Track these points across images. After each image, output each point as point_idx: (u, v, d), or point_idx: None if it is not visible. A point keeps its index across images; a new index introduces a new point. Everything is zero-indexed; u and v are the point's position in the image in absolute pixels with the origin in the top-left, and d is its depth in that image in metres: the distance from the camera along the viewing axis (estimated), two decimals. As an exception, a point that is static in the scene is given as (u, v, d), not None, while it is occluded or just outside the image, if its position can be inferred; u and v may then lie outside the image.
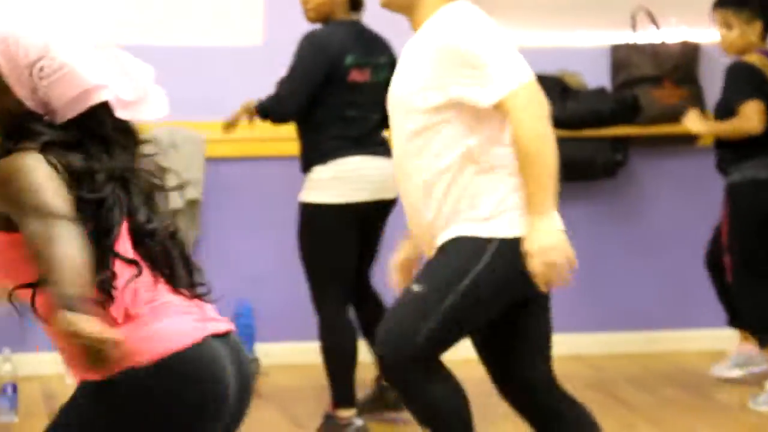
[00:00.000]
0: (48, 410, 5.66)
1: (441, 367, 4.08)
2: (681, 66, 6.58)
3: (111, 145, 2.73)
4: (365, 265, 5.60)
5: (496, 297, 4.02)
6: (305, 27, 5.36)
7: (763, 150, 5.93)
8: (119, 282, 2.64)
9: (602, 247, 6.72)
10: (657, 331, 6.80)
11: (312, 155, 5.37)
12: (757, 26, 5.94)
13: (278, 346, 6.24)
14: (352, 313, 5.52)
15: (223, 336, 2.75)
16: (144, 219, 2.73)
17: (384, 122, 4.58)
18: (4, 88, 2.70)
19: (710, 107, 6.49)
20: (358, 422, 5.40)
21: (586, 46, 6.73)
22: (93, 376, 2.60)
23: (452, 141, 3.99)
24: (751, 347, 6.20)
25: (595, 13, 6.73)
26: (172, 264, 2.77)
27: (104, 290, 2.62)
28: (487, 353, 4.24)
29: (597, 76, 6.68)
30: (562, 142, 6.36)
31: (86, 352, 2.43)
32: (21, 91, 2.69)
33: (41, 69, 2.68)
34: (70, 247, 2.49)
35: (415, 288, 4.03)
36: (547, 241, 3.95)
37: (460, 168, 3.99)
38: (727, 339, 6.45)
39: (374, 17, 5.17)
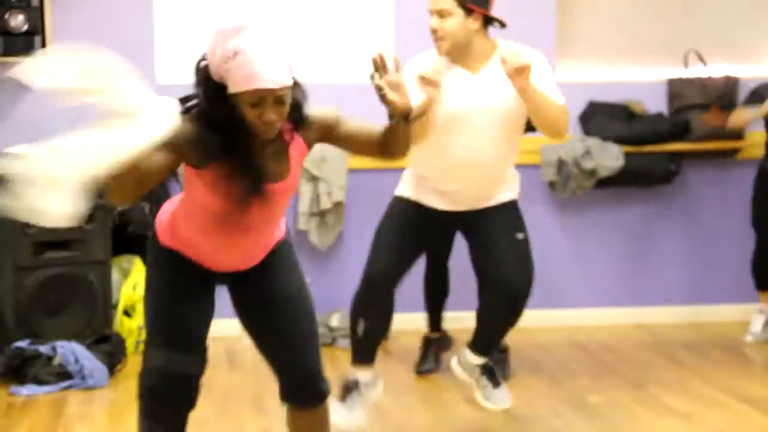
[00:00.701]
0: (229, 365, 5.75)
1: None
2: (724, 95, 6.51)
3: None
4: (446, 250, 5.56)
5: None
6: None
7: None
8: None
9: (661, 238, 6.71)
10: (705, 305, 6.74)
11: None
12: None
13: (405, 315, 6.14)
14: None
15: None
16: None
17: None
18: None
19: (748, 128, 6.49)
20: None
21: (648, 80, 6.68)
22: None
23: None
24: None
25: (655, 53, 6.69)
26: None
27: None
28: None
29: (656, 104, 6.65)
30: (628, 155, 6.52)
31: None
32: (217, 74, 3.02)
33: (230, 59, 2.95)
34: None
35: (519, 236, 4.48)
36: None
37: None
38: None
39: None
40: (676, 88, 6.61)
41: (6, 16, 5.85)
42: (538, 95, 4.17)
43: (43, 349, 5.40)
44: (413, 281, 5.37)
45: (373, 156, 3.23)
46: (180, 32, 6.38)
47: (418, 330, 5.92)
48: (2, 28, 5.86)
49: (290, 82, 2.97)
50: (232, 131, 2.98)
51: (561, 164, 6.42)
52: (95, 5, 6.24)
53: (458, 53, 4.35)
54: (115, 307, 5.94)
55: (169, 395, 3.25)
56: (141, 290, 6.04)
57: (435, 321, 5.75)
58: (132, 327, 5.96)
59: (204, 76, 3.01)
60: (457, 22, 4.31)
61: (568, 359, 5.93)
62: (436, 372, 5.65)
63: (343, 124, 3.20)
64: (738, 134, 6.50)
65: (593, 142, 6.42)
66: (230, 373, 5.62)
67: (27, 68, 2.77)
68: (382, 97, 3.10)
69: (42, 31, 5.96)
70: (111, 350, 5.59)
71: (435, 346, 5.74)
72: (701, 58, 6.63)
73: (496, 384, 4.69)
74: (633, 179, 6.53)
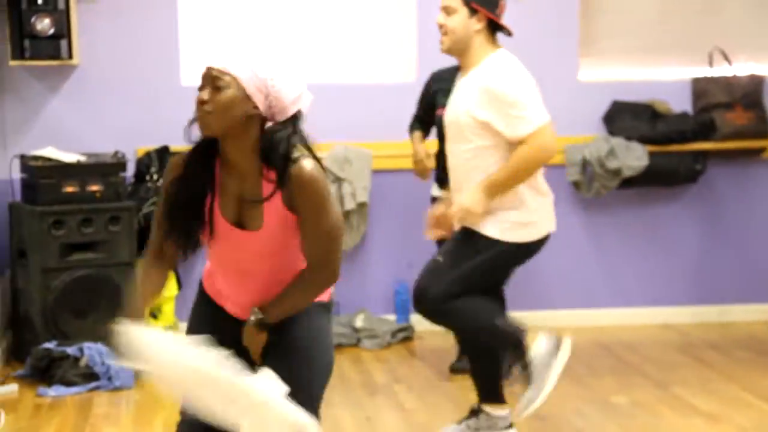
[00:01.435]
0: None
1: None
2: (749, 94, 6.51)
3: (300, 132, 2.99)
4: None
5: None
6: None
7: None
8: None
9: (686, 237, 6.70)
10: (730, 305, 6.73)
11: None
12: None
13: None
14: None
15: None
16: None
17: None
18: (246, 98, 2.91)
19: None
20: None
21: (672, 79, 6.67)
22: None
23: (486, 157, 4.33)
24: None
25: (679, 53, 6.68)
26: None
27: None
28: None
29: (681, 103, 6.63)
30: (653, 155, 6.52)
31: None
32: (259, 99, 2.91)
33: (272, 80, 2.91)
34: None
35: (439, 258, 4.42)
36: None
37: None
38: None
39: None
40: (700, 87, 6.60)
41: (32, 19, 5.89)
42: (500, 180, 4.22)
43: (70, 350, 5.44)
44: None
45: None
46: (205, 34, 6.42)
47: (443, 330, 5.92)
48: (29, 32, 5.90)
49: (233, 72, 2.90)
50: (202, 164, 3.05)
51: (585, 164, 6.42)
52: (121, 8, 6.28)
53: (458, 52, 4.37)
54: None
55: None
56: (166, 291, 6.08)
57: None
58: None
59: None
60: (460, 20, 4.31)
61: (593, 359, 5.93)
62: (468, 371, 5.61)
63: (305, 218, 3.00)
64: (763, 133, 6.48)
65: (617, 142, 6.42)
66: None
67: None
68: None
69: (68, 35, 6.01)
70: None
71: None
72: (726, 57, 6.61)
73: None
74: (657, 179, 6.53)
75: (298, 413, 2.79)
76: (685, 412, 4.95)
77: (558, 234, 4.63)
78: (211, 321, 3.18)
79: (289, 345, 3.08)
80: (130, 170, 6.17)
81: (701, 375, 5.55)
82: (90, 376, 5.38)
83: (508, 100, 4.19)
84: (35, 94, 6.24)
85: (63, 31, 5.95)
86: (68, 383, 5.34)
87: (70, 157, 5.87)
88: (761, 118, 6.53)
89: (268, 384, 2.81)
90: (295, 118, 2.98)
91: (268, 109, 2.93)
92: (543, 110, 4.26)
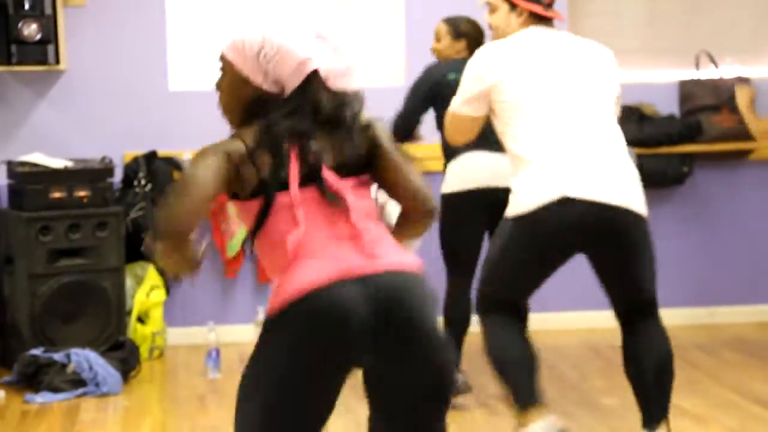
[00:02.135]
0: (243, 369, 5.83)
1: None
2: (735, 96, 6.50)
3: (320, 112, 2.64)
4: None
5: None
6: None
7: None
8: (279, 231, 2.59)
9: (673, 240, 6.69)
10: (717, 307, 6.73)
11: (446, 157, 5.18)
12: None
13: None
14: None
15: (369, 276, 2.55)
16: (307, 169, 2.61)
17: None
18: (244, 79, 2.68)
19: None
20: (462, 377, 5.13)
21: (659, 82, 6.68)
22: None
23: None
24: None
25: (666, 56, 6.70)
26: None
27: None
28: None
29: (668, 106, 6.63)
30: (640, 157, 6.52)
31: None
32: (258, 77, 2.67)
33: (265, 55, 2.67)
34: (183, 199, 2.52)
35: None
36: None
37: None
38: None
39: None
40: (687, 90, 6.60)
41: (19, 24, 5.88)
42: None
43: (57, 356, 5.42)
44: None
45: None
46: (193, 39, 6.41)
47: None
48: (16, 37, 5.89)
49: (227, 55, 2.70)
50: None
51: (573, 167, 6.42)
52: (108, 13, 6.27)
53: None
54: (128, 314, 5.96)
55: None
56: (154, 297, 6.07)
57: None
58: (146, 334, 5.98)
59: None
60: (502, 16, 4.23)
61: (582, 362, 5.93)
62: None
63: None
64: (749, 135, 6.50)
65: (605, 145, 6.42)
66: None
67: None
68: None
69: (55, 40, 6.00)
70: (125, 357, 5.61)
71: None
72: (712, 60, 6.61)
73: None
74: (645, 181, 6.43)
75: None
76: (672, 413, 4.92)
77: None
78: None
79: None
80: (118, 176, 6.15)
81: (689, 376, 5.53)
82: (77, 382, 5.35)
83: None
84: (22, 99, 6.23)
85: (50, 36, 5.94)
86: (55, 389, 5.32)
87: (57, 163, 5.86)
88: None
89: None
90: (303, 90, 2.65)
91: (276, 88, 2.68)
92: (461, 98, 4.19)
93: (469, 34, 5.28)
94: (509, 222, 4.10)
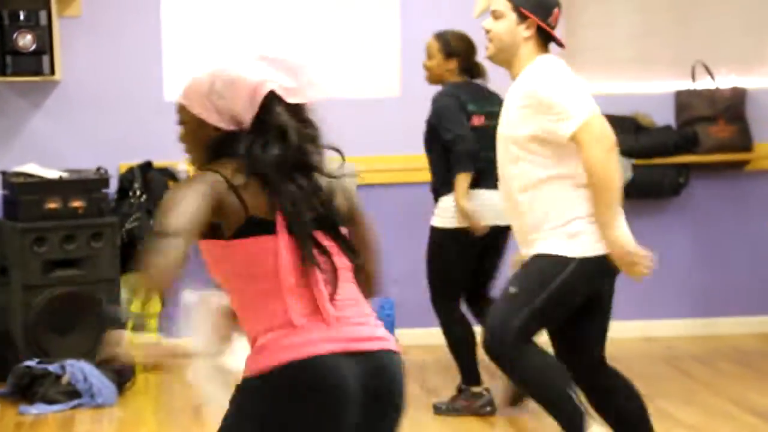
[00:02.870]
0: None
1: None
2: (731, 107, 6.51)
3: (287, 131, 2.56)
4: (486, 280, 5.33)
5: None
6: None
7: None
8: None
9: (669, 251, 6.68)
10: (714, 318, 6.71)
11: (441, 187, 5.17)
12: None
13: (415, 331, 6.24)
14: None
15: (362, 354, 2.53)
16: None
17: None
18: (200, 122, 2.59)
19: (756, 140, 6.50)
20: (489, 395, 5.16)
21: (655, 92, 6.68)
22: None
23: (537, 167, 3.97)
24: None
25: (662, 66, 6.71)
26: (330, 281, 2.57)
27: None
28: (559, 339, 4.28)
29: (664, 116, 6.63)
30: (637, 168, 6.52)
31: None
32: (212, 117, 2.57)
33: (216, 92, 2.56)
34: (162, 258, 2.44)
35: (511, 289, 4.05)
36: (621, 247, 4.01)
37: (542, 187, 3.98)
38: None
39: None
40: (683, 101, 6.61)
41: (14, 35, 5.89)
42: (601, 206, 3.94)
43: (52, 367, 5.42)
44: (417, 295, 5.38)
45: None
46: (189, 49, 6.42)
47: (427, 345, 5.92)
48: (11, 48, 5.90)
49: (181, 100, 2.62)
50: None
51: (569, 177, 6.42)
52: (103, 24, 6.28)
53: (503, 61, 4.10)
54: (124, 325, 5.94)
55: None
56: (150, 308, 6.06)
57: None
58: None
59: None
60: (507, 26, 4.04)
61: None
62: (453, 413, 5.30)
63: None
64: (746, 146, 6.50)
65: (601, 155, 6.42)
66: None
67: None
68: None
69: (50, 51, 6.01)
70: (120, 369, 5.60)
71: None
72: (708, 71, 6.62)
73: None
74: (641, 192, 6.53)
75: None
76: (668, 424, 4.95)
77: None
78: None
79: None
80: (113, 186, 6.15)
81: (685, 387, 5.55)
82: (72, 393, 5.35)
83: (545, 103, 3.93)
84: (17, 110, 6.23)
85: (45, 47, 5.96)
86: (50, 401, 5.32)
87: (52, 174, 5.86)
88: (744, 131, 6.55)
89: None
90: (264, 118, 2.56)
91: (233, 124, 2.58)
92: (585, 104, 3.96)
93: (460, 53, 5.27)
94: (571, 260, 4.00)
